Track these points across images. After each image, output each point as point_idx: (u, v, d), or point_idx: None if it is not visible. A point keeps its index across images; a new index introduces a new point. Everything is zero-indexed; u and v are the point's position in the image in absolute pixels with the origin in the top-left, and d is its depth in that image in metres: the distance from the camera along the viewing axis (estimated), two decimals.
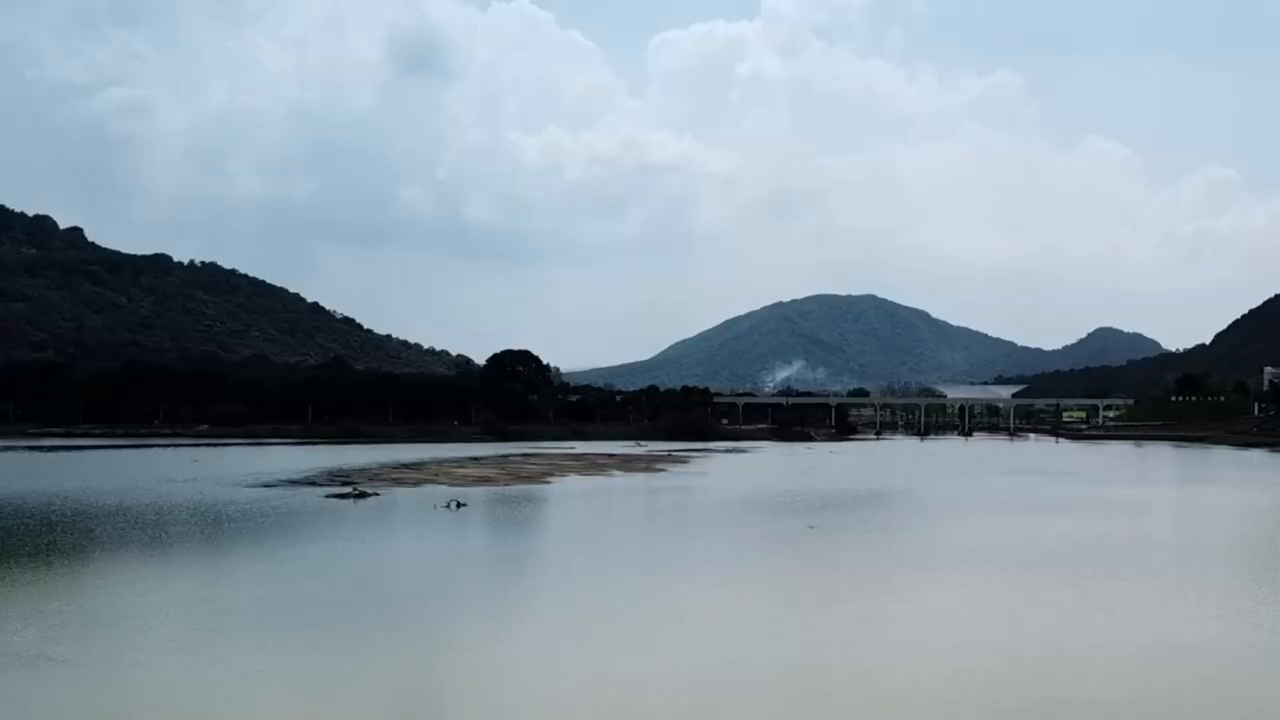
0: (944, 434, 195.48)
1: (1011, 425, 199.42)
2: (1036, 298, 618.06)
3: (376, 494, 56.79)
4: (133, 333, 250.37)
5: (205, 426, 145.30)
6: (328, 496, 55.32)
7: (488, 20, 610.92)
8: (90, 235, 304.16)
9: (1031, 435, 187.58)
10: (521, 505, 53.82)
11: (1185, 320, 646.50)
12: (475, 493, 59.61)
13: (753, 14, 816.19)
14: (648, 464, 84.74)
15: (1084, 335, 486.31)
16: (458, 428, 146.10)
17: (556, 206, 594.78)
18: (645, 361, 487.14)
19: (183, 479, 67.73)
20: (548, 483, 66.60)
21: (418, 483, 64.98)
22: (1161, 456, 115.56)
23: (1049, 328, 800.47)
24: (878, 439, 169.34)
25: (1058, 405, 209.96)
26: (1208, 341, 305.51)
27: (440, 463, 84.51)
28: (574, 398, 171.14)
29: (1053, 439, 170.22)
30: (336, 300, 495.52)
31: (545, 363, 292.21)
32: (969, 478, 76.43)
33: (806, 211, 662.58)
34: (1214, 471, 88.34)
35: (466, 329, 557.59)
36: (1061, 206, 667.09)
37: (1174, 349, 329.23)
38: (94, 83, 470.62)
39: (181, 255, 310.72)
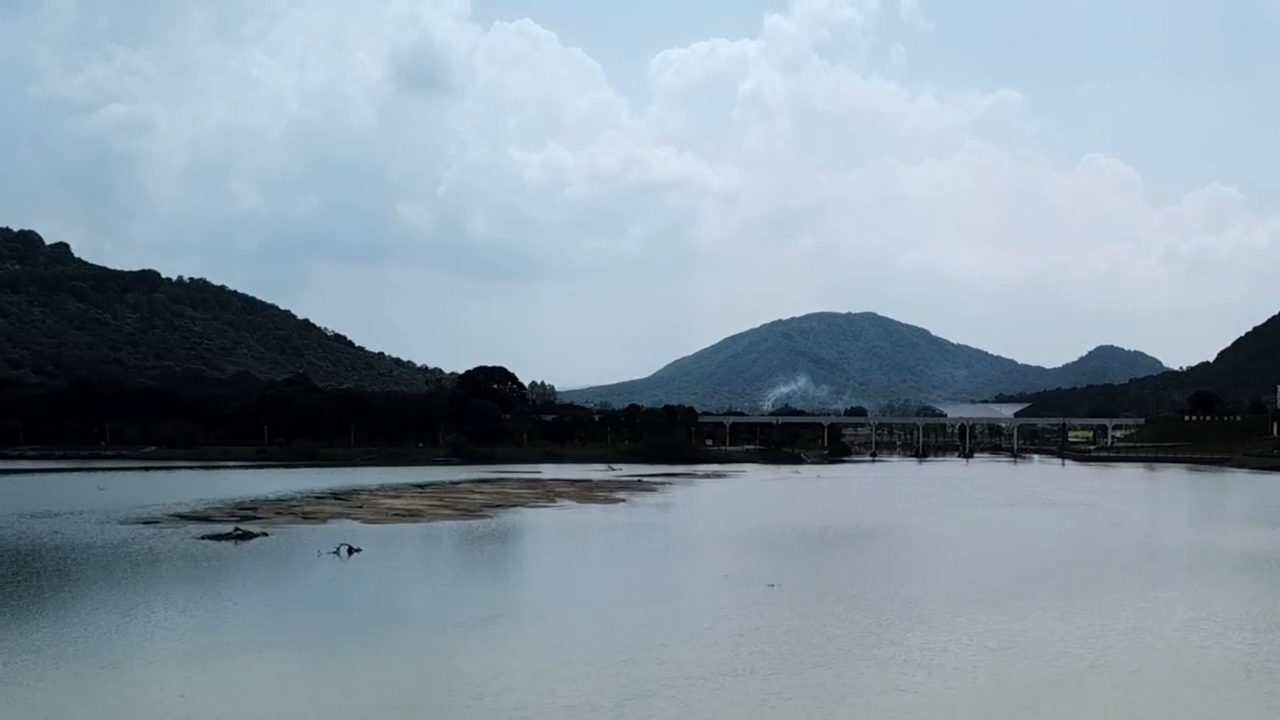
0: (943, 455, 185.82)
1: (1015, 446, 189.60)
2: (1037, 316, 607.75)
3: (265, 534, 47.54)
4: (115, 350, 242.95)
5: (153, 448, 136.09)
6: (203, 538, 46.11)
7: (490, 38, 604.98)
8: (90, 252, 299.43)
9: (1035, 457, 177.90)
10: (426, 549, 44.62)
11: (1186, 338, 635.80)
12: (388, 531, 50.57)
13: (755, 32, 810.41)
14: (609, 493, 75.28)
15: (1084, 353, 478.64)
16: (423, 449, 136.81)
17: (558, 224, 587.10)
18: (644, 380, 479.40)
19: (62, 512, 58.45)
20: (482, 517, 57.20)
21: (330, 517, 55.77)
22: (1180, 483, 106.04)
23: (1049, 346, 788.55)
24: (873, 461, 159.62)
25: (1063, 424, 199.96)
26: (1211, 359, 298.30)
27: (376, 491, 75.50)
28: (549, 417, 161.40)
29: (1058, 461, 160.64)
30: (336, 318, 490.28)
31: (541, 381, 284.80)
32: (970, 511, 66.89)
33: (807, 229, 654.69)
34: (1242, 502, 78.93)
35: (465, 347, 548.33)
36: (1062, 224, 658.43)
37: (1175, 367, 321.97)
38: (95, 100, 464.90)
39: (182, 273, 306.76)
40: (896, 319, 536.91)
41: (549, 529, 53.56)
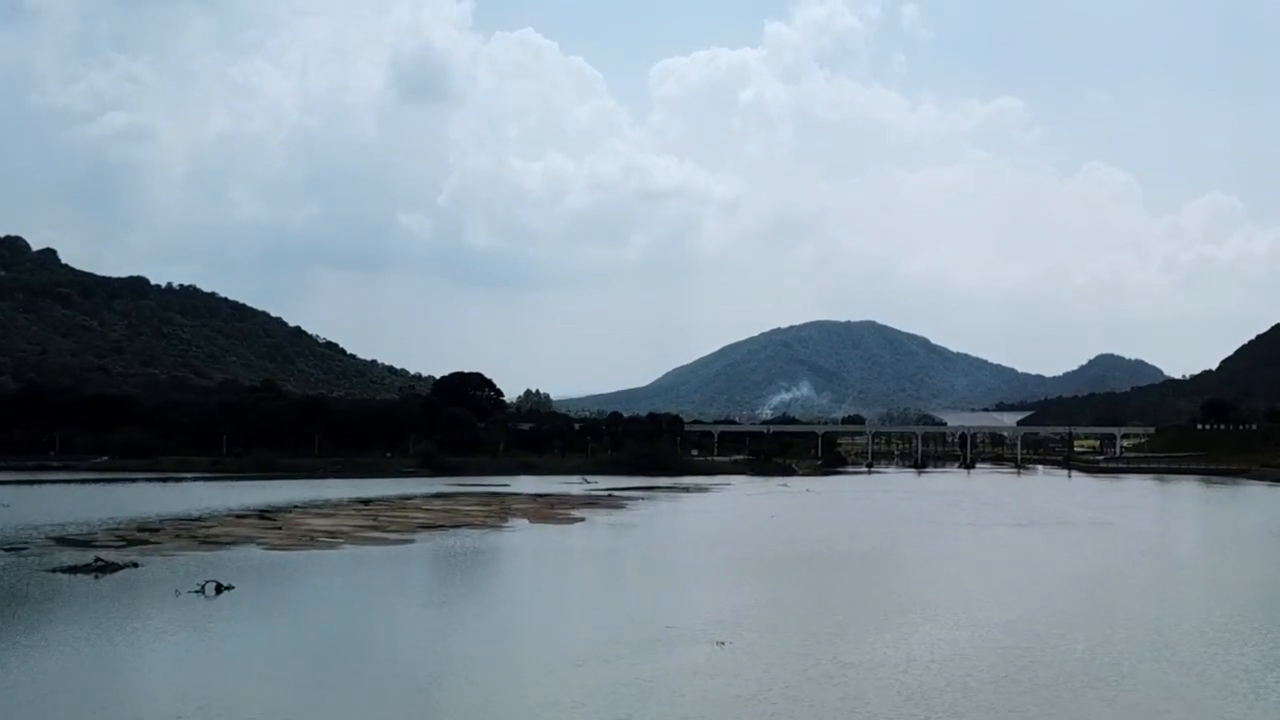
0: (943, 465, 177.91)
1: (1018, 456, 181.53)
2: (1037, 324, 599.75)
3: (134, 565, 39.91)
4: (100, 357, 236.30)
5: (105, 458, 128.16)
6: (55, 570, 38.52)
7: (491, 47, 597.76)
8: (89, 261, 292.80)
9: (1040, 468, 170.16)
10: (312, 586, 36.93)
11: (1187, 347, 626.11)
12: (287, 560, 43.04)
13: (756, 41, 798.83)
14: (571, 510, 67.41)
15: (1085, 362, 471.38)
16: (391, 460, 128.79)
17: (558, 233, 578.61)
18: (643, 388, 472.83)
19: None
20: (410, 542, 49.40)
21: (234, 542, 48.05)
22: (1199, 498, 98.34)
23: (1050, 354, 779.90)
24: (869, 472, 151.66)
25: (1069, 433, 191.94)
26: (1213, 367, 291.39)
27: (307, 509, 67.90)
28: (525, 426, 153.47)
29: (1064, 472, 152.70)
30: (335, 327, 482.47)
31: (536, 389, 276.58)
32: (974, 534, 58.97)
33: (808, 238, 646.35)
34: (1274, 520, 71.23)
35: (465, 355, 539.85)
36: (1063, 233, 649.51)
37: (1176, 375, 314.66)
38: (94, 108, 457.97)
39: (183, 281, 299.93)
40: (896, 327, 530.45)
41: (478, 558, 45.83)
